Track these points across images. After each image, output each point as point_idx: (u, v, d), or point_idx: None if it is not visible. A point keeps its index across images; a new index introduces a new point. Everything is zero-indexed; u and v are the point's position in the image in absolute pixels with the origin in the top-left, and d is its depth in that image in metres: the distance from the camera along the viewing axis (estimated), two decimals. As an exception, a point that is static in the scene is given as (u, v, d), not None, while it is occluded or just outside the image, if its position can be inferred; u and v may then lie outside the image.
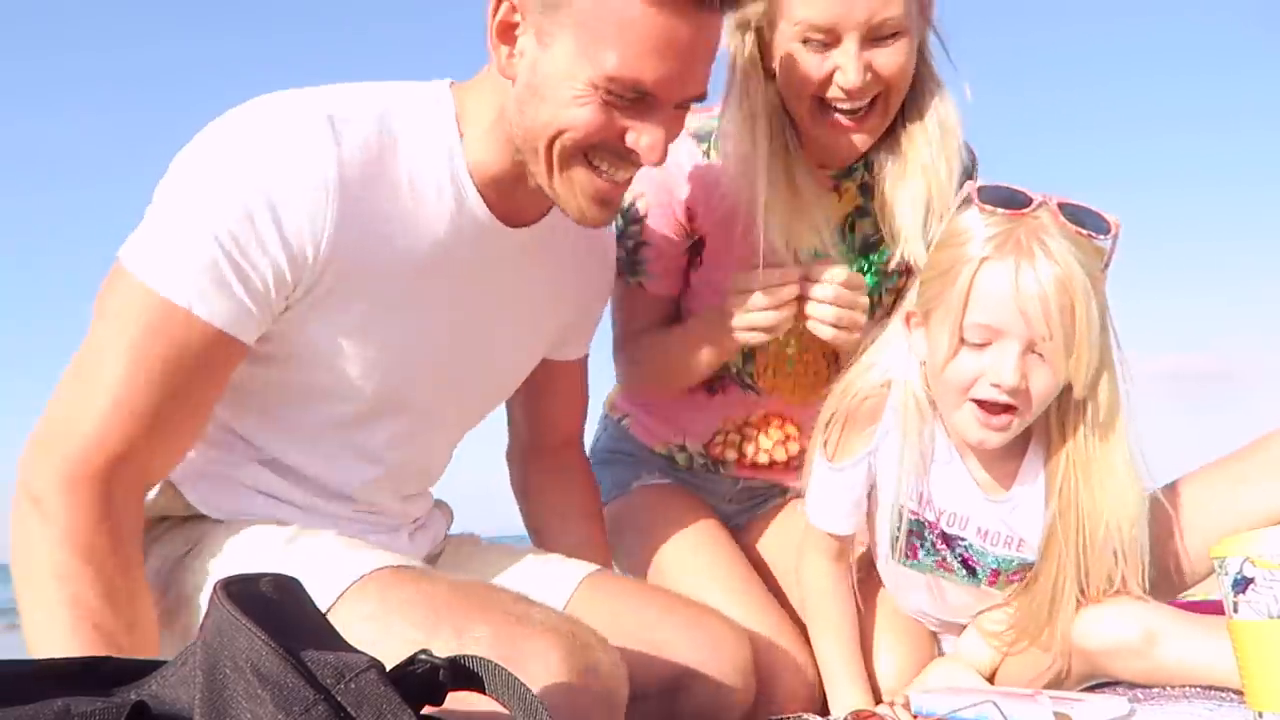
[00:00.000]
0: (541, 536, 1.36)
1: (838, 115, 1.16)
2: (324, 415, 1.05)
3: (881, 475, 1.22)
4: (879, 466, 1.22)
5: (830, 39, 1.10)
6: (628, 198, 1.31)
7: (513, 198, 1.03)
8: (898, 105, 1.19)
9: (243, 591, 0.60)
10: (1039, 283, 1.03)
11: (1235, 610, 0.88)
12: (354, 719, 0.55)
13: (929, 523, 1.23)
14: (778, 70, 1.16)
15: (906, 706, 1.17)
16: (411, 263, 1.00)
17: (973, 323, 1.07)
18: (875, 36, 1.10)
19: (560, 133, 0.92)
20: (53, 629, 0.84)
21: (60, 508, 0.87)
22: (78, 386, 0.90)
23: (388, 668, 0.60)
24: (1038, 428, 1.18)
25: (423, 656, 0.64)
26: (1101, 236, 1.09)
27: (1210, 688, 1.16)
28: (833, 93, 1.14)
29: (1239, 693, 1.08)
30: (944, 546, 1.23)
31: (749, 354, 1.38)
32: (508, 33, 0.91)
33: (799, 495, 1.38)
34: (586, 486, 1.41)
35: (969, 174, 1.34)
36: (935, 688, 1.28)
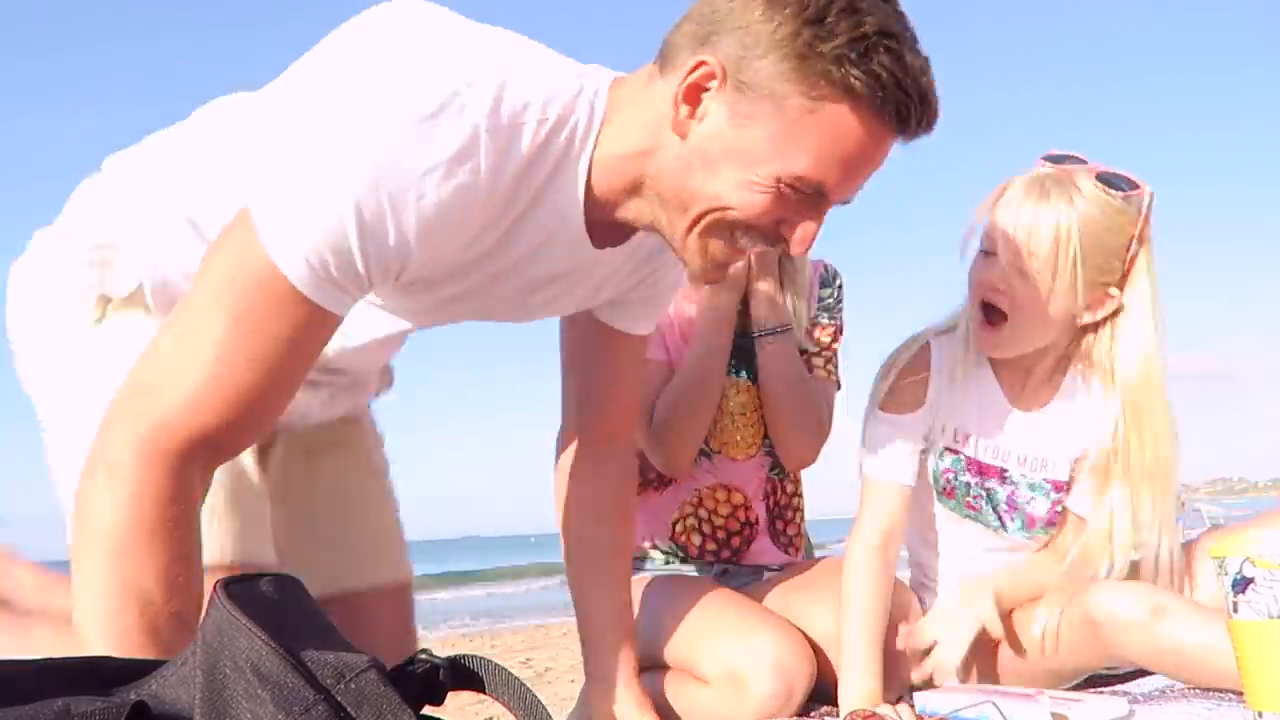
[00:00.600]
0: (568, 534, 1.32)
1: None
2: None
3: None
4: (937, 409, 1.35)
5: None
6: None
7: (608, 225, 0.99)
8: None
9: (243, 591, 0.60)
10: (1034, 215, 1.21)
11: (1235, 610, 0.88)
12: (354, 719, 0.55)
13: (967, 459, 1.35)
14: None
15: (911, 706, 1.18)
16: (505, 264, 0.97)
17: (984, 231, 1.28)
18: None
19: (725, 209, 0.90)
20: (100, 606, 0.81)
21: (133, 477, 0.82)
22: (175, 352, 0.84)
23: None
24: (1077, 357, 1.32)
25: (423, 656, 0.64)
26: (1133, 194, 1.24)
27: (1210, 689, 1.16)
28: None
29: (1237, 693, 1.08)
30: (978, 481, 1.34)
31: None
32: (696, 93, 0.87)
33: (779, 569, 1.61)
34: (624, 483, 1.34)
35: (833, 281, 1.70)
36: (937, 687, 1.28)
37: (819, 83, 0.83)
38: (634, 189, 0.93)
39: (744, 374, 1.64)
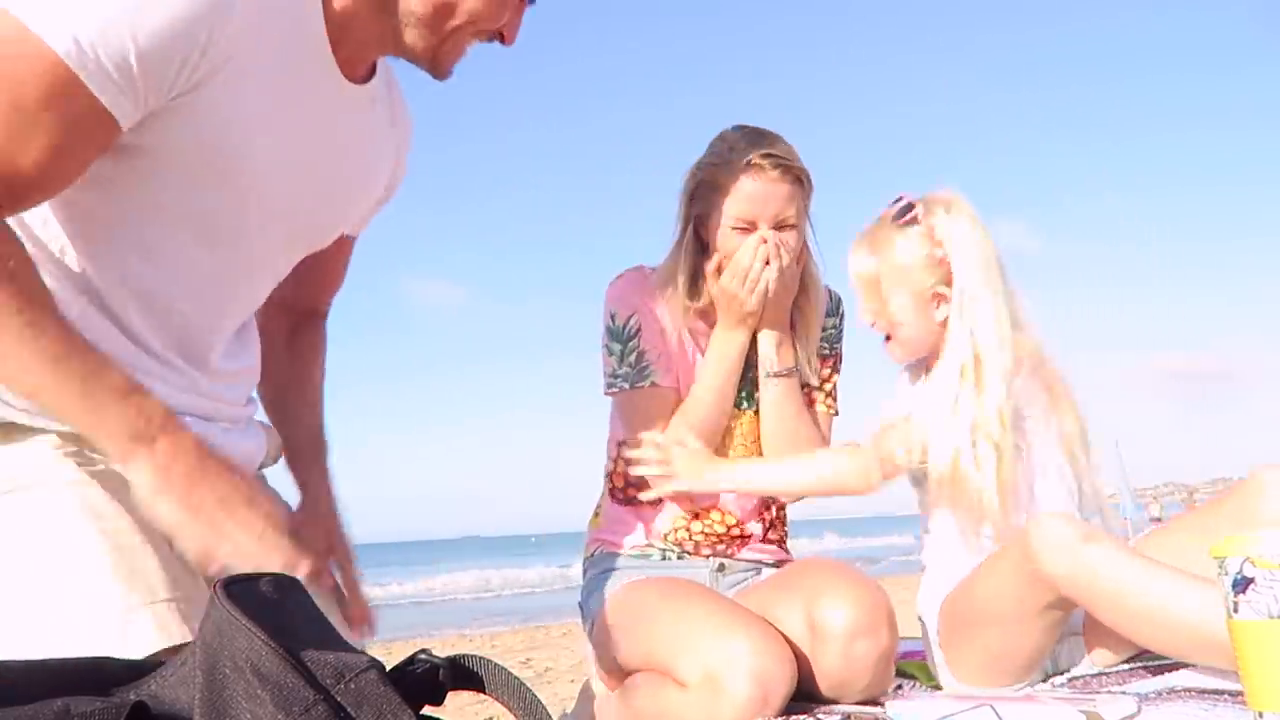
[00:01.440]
0: (266, 383, 1.29)
1: None
2: (174, 236, 1.01)
3: None
4: None
5: (750, 227, 1.59)
6: (618, 318, 1.65)
7: (356, 53, 1.09)
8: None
9: (243, 591, 0.60)
10: (852, 266, 1.58)
11: (1235, 610, 0.88)
12: (354, 719, 0.55)
13: None
14: (711, 242, 1.63)
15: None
16: (274, 76, 0.99)
17: None
18: (779, 226, 1.59)
19: (478, 20, 1.06)
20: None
21: None
22: None
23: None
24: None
25: (422, 656, 0.64)
26: (908, 217, 1.52)
27: (1204, 691, 1.16)
28: None
29: (1234, 694, 1.08)
30: None
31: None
32: None
33: (774, 564, 1.67)
34: (319, 343, 1.41)
35: (837, 310, 1.82)
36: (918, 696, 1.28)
37: None
38: (378, 10, 1.05)
39: (744, 404, 1.69)
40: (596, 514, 1.76)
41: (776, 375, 1.65)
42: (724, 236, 1.60)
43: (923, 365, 1.56)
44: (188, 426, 0.92)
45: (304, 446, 1.30)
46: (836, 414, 1.76)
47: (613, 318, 1.66)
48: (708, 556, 1.66)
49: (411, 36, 1.07)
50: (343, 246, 1.33)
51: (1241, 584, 0.87)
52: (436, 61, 1.10)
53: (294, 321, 1.38)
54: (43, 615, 0.92)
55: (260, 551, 0.86)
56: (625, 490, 1.69)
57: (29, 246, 0.92)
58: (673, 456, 1.56)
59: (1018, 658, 1.33)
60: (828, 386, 1.76)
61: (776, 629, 1.36)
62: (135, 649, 0.85)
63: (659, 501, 1.66)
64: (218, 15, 0.89)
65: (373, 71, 1.14)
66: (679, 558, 1.65)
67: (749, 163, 1.54)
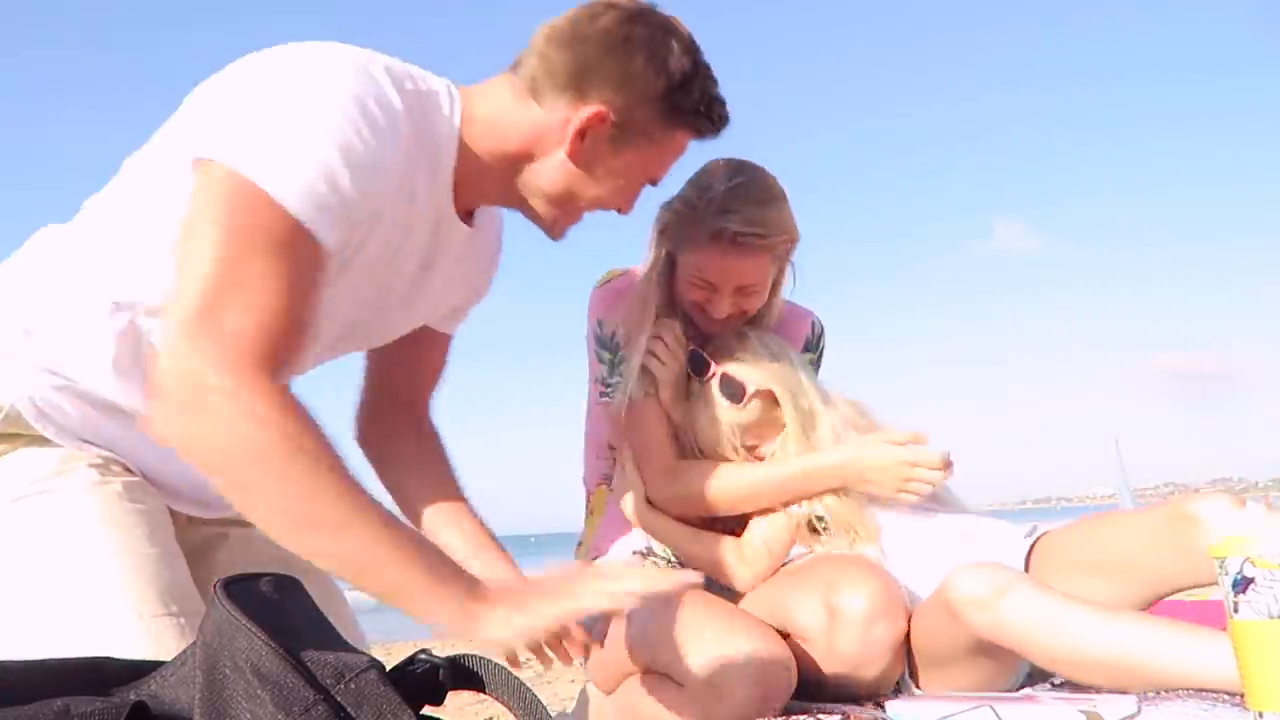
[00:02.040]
0: (401, 494, 1.30)
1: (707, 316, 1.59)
2: None
3: None
4: None
5: (711, 288, 1.53)
6: (605, 327, 1.61)
7: (474, 201, 1.19)
8: (751, 315, 1.61)
9: (242, 591, 0.60)
10: None
11: (1235, 610, 0.88)
12: (354, 719, 0.55)
13: None
14: (677, 278, 1.58)
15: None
16: (400, 224, 1.08)
17: None
18: (741, 291, 1.53)
19: (599, 203, 1.18)
20: (349, 513, 0.82)
21: (258, 388, 0.83)
22: (218, 279, 0.87)
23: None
24: None
25: (422, 656, 0.64)
26: None
27: (1204, 691, 1.16)
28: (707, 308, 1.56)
29: (1232, 694, 1.08)
30: None
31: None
32: (585, 131, 1.12)
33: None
34: (442, 448, 1.38)
35: (817, 344, 1.77)
36: (922, 697, 1.29)
37: (677, 126, 1.16)
38: (506, 176, 1.15)
39: None
40: (591, 512, 1.76)
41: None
42: (683, 285, 1.56)
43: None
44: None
45: (480, 545, 1.25)
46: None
47: (600, 325, 1.63)
48: None
49: (535, 205, 1.17)
50: (440, 343, 1.36)
51: (1241, 584, 0.87)
52: (553, 228, 1.20)
53: (407, 425, 1.35)
54: (52, 616, 0.96)
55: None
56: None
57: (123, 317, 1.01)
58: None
59: (987, 685, 1.36)
60: None
61: (779, 627, 1.37)
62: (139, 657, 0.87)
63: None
64: (386, 169, 0.99)
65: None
66: (680, 565, 1.65)
67: (718, 230, 1.47)
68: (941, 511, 1.56)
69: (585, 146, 1.12)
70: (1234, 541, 0.89)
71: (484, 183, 1.15)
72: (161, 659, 0.76)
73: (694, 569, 1.54)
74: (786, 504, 1.55)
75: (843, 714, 1.29)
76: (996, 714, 1.06)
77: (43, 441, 1.06)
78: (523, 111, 1.12)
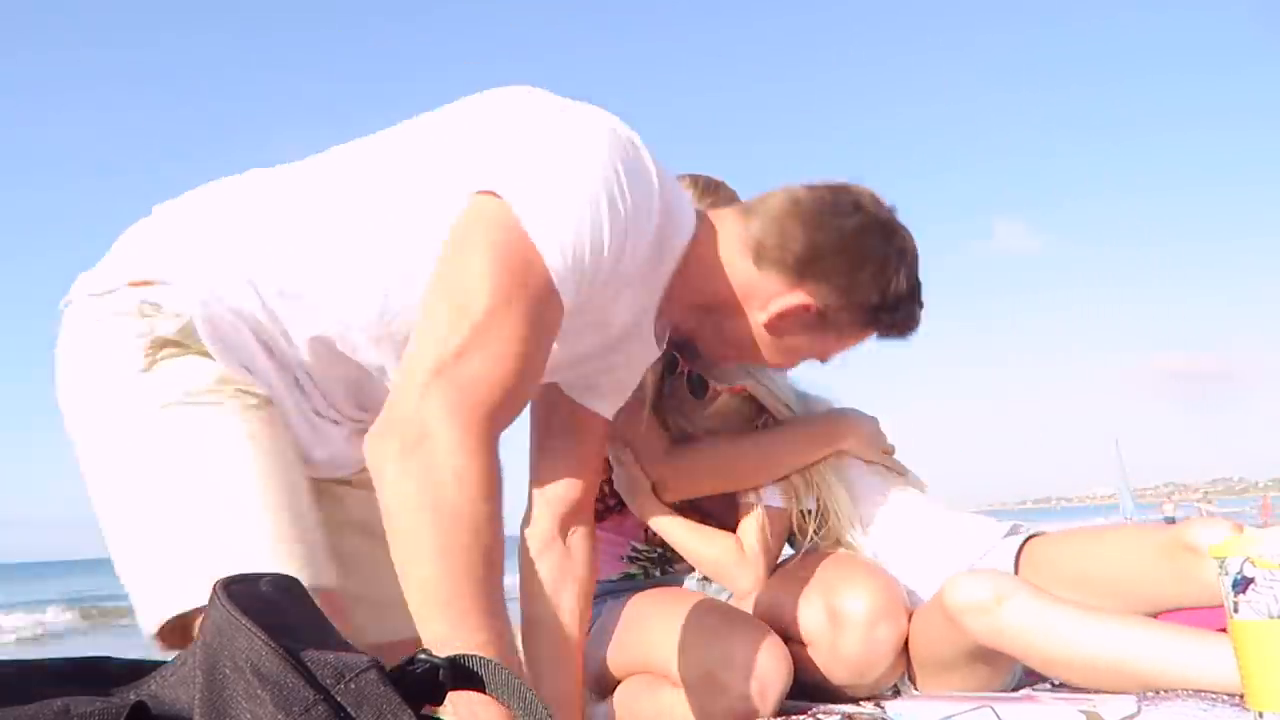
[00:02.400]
0: (532, 613, 1.27)
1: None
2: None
3: None
4: None
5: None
6: None
7: (668, 313, 1.23)
8: None
9: (242, 591, 0.60)
10: None
11: (1236, 610, 0.88)
12: (354, 719, 0.55)
13: None
14: None
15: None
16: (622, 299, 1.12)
17: None
18: None
19: (760, 362, 1.31)
20: (462, 584, 0.83)
21: (468, 446, 0.86)
22: (474, 333, 0.89)
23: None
24: None
25: (422, 656, 0.64)
26: None
27: (1203, 691, 1.16)
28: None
29: (1230, 694, 1.08)
30: None
31: None
32: (790, 313, 1.20)
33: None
34: (590, 558, 1.31)
35: None
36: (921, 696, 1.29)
37: (871, 331, 1.24)
38: (701, 310, 1.21)
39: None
40: None
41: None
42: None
43: None
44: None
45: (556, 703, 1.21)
46: None
47: None
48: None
49: (709, 346, 1.27)
50: (598, 428, 1.31)
51: (1242, 584, 0.87)
52: (708, 367, 1.36)
53: (564, 530, 1.28)
54: (191, 527, 0.98)
55: None
56: (604, 501, 1.68)
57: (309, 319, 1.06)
58: (617, 473, 1.57)
59: (983, 688, 1.36)
60: None
61: (778, 627, 1.37)
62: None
63: (623, 513, 1.66)
64: (637, 238, 1.02)
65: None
66: (662, 573, 1.65)
67: None
68: (924, 503, 1.55)
69: (783, 325, 1.21)
70: (1234, 541, 0.89)
71: (680, 301, 1.20)
72: (313, 582, 0.84)
73: (696, 567, 1.54)
74: (783, 473, 1.53)
75: (842, 714, 1.30)
76: (997, 714, 1.06)
77: (206, 356, 1.07)
78: (743, 267, 1.18)
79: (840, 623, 1.33)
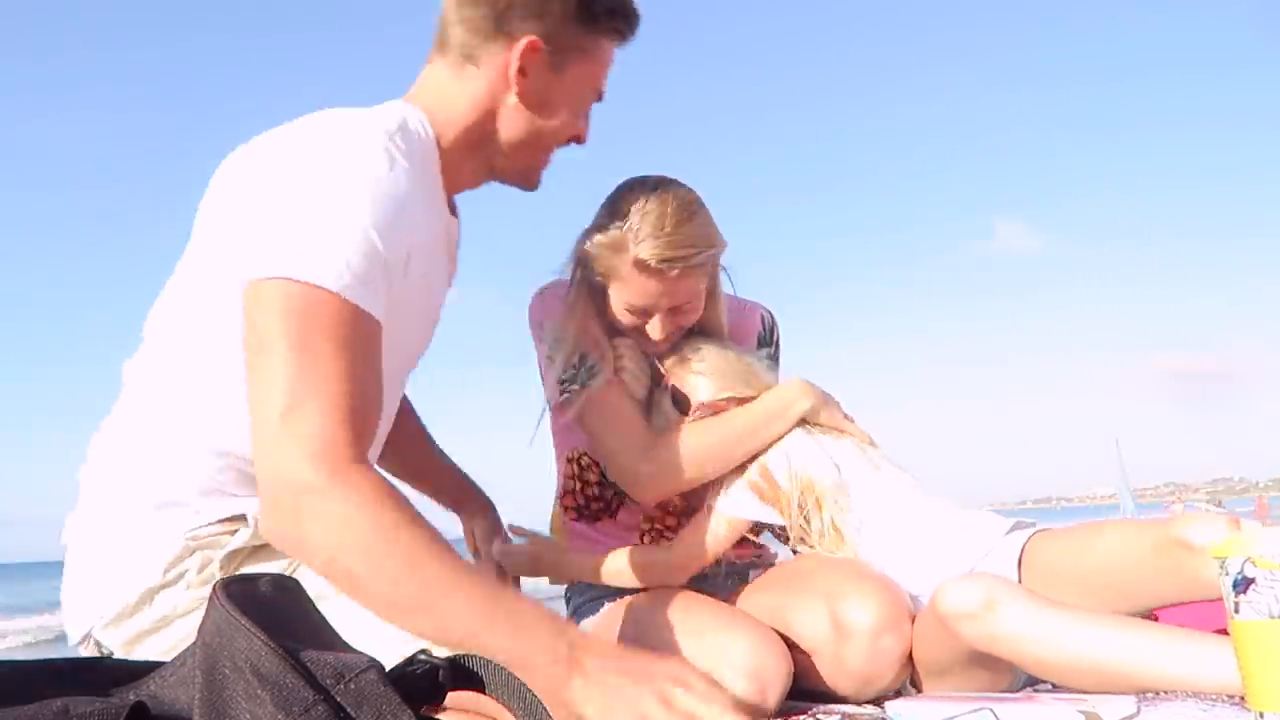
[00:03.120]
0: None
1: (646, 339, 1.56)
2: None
3: None
4: None
5: (644, 314, 1.50)
6: (550, 332, 1.57)
7: (454, 189, 1.27)
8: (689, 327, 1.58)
9: (242, 591, 0.60)
10: None
11: (1236, 610, 0.88)
12: (354, 719, 0.55)
13: None
14: (609, 307, 1.53)
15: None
16: (426, 253, 1.15)
17: None
18: (675, 311, 1.51)
19: (560, 134, 1.26)
20: (448, 587, 0.85)
21: (353, 481, 0.87)
22: (294, 383, 0.91)
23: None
24: None
25: (422, 657, 0.64)
26: None
27: (1203, 691, 1.16)
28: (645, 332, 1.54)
29: (1230, 697, 1.08)
30: None
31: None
32: (524, 64, 1.19)
33: (749, 565, 1.65)
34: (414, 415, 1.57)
35: (770, 338, 1.74)
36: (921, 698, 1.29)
37: (600, 33, 1.23)
38: (476, 150, 1.22)
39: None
40: (552, 530, 1.74)
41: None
42: (618, 311, 1.52)
43: None
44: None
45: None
46: None
47: (544, 327, 1.59)
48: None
49: (507, 162, 1.25)
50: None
51: (1242, 584, 0.87)
52: (528, 178, 1.29)
53: None
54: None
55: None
56: (589, 506, 1.67)
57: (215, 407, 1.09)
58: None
59: (986, 690, 1.36)
60: None
61: (772, 628, 1.35)
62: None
63: (616, 513, 1.65)
64: (406, 215, 1.05)
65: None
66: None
67: (642, 261, 1.43)
68: (922, 499, 1.53)
69: (530, 82, 1.20)
70: (1235, 542, 0.89)
71: (461, 169, 1.23)
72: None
73: (636, 579, 1.51)
74: (754, 455, 1.52)
75: (842, 714, 1.29)
76: (996, 715, 1.06)
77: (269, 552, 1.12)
78: (466, 81, 1.20)
79: (845, 633, 1.31)
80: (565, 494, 1.68)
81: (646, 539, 1.65)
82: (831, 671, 1.33)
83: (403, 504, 0.89)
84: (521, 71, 1.18)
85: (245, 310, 0.97)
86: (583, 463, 1.65)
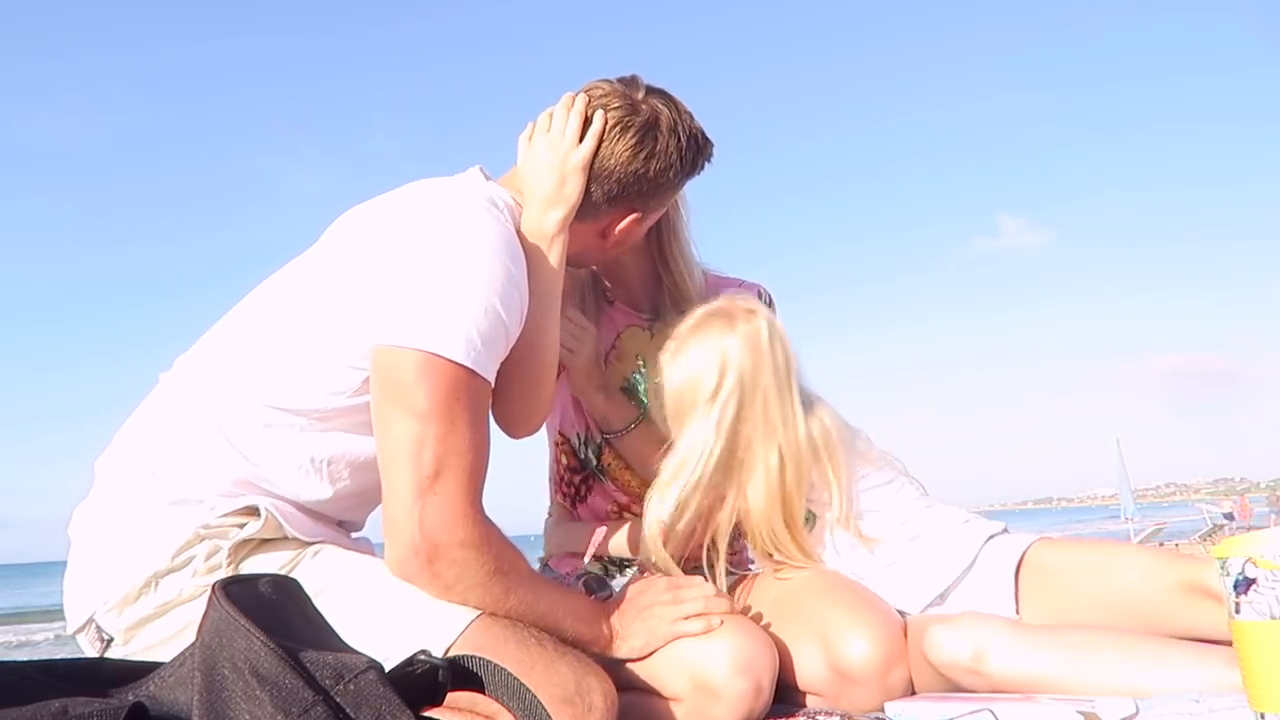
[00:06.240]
0: None
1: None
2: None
3: None
4: None
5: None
6: None
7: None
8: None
9: (242, 592, 0.59)
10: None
11: (1237, 611, 0.88)
12: (353, 719, 0.55)
13: None
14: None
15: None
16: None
17: None
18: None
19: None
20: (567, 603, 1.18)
21: (478, 534, 1.09)
22: (430, 450, 1.09)
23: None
24: None
25: (422, 657, 0.64)
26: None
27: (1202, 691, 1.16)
28: None
29: (1234, 694, 1.08)
30: None
31: (599, 449, 1.67)
32: (622, 231, 1.38)
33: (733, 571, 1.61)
34: None
35: (768, 305, 1.72)
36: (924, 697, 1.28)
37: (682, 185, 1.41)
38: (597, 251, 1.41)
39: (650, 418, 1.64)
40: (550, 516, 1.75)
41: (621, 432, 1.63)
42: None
43: None
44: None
45: None
46: None
47: None
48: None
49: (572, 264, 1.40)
50: None
51: (1243, 585, 0.87)
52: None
53: None
54: (389, 611, 1.12)
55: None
56: (571, 501, 1.67)
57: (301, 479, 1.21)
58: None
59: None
60: None
61: (755, 623, 1.32)
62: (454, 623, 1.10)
63: (587, 497, 1.66)
64: (522, 285, 1.21)
65: None
66: (622, 573, 1.63)
67: None
68: (900, 499, 1.48)
69: (620, 238, 1.38)
70: (1236, 542, 0.89)
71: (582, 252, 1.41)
72: (468, 617, 1.08)
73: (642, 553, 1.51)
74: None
75: (841, 714, 1.29)
76: (995, 715, 1.06)
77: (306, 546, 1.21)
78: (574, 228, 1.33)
79: (848, 676, 1.27)
80: (558, 483, 1.72)
81: (620, 522, 1.65)
82: (836, 705, 1.31)
83: (505, 543, 1.13)
84: (616, 235, 1.37)
85: (381, 369, 1.12)
86: (560, 444, 1.69)
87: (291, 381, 1.19)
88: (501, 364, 1.24)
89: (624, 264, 1.64)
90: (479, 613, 1.10)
